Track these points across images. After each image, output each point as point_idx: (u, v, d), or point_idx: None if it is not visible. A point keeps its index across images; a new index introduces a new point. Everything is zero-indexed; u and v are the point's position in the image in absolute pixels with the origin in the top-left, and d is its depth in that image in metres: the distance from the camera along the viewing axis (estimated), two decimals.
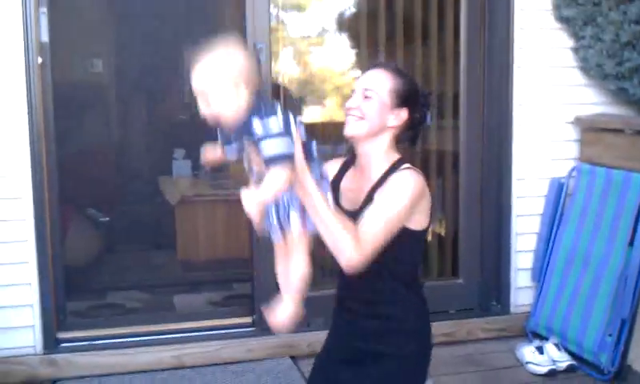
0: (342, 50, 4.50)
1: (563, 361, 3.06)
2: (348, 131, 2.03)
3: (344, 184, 2.08)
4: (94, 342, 3.12)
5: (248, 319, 3.31)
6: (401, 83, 2.05)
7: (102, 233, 4.52)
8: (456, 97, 3.60)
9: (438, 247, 3.81)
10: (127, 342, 3.15)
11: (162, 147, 5.02)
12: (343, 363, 2.07)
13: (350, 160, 2.12)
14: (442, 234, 3.88)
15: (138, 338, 3.18)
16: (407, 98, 2.05)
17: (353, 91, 2.06)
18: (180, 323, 3.31)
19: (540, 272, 3.43)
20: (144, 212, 4.74)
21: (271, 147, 1.61)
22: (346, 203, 2.00)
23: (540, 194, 3.48)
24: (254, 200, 1.60)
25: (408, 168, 2.00)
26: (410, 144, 2.13)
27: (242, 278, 3.52)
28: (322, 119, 4.89)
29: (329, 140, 4.15)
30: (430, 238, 3.65)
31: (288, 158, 1.63)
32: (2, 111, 2.86)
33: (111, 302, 3.84)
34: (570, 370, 3.05)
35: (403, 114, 2.04)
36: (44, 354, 3.00)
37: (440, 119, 3.82)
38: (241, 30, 3.16)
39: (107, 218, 4.59)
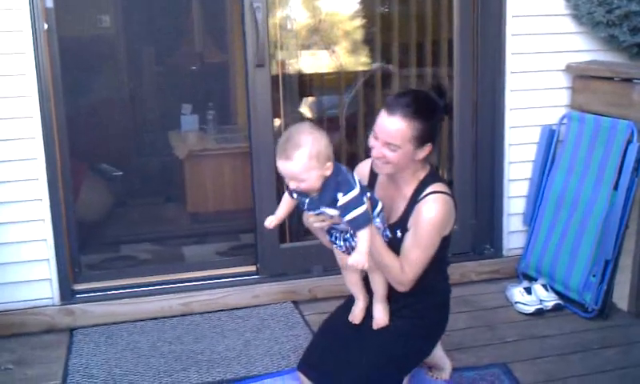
0: None
1: (550, 300, 3.20)
2: (378, 171, 2.24)
3: (377, 192, 2.26)
4: (108, 292, 3.28)
5: (252, 267, 3.46)
6: (420, 126, 2.12)
7: (114, 187, 4.65)
8: (450, 45, 3.66)
9: None
10: (139, 291, 3.30)
11: (172, 101, 5.13)
12: (368, 316, 2.33)
13: None
14: None
15: (149, 288, 3.33)
16: (429, 134, 2.17)
17: (374, 134, 2.16)
18: (189, 273, 3.47)
19: (531, 216, 3.55)
20: (154, 166, 4.88)
21: (356, 214, 1.97)
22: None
23: (532, 141, 3.58)
24: (360, 258, 1.98)
25: (434, 193, 2.17)
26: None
27: (247, 228, 3.65)
28: (332, 68, 4.90)
29: (339, 89, 4.24)
30: None
31: (368, 220, 2.00)
32: (12, 78, 2.96)
33: (124, 254, 4.00)
34: (556, 308, 3.19)
35: (427, 148, 2.18)
36: (61, 304, 3.16)
37: (435, 67, 3.90)
38: None
39: (119, 173, 4.74)
